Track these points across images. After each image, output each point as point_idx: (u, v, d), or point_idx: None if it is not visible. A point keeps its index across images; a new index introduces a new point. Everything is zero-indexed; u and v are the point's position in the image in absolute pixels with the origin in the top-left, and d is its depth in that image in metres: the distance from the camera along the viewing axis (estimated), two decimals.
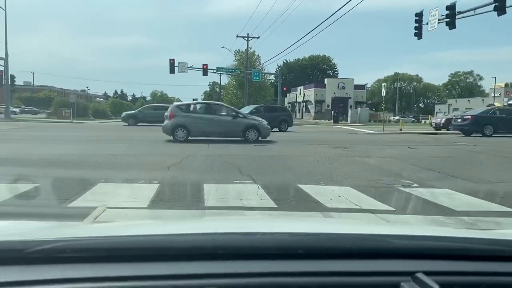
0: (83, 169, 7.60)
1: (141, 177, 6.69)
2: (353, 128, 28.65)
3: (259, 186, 6.00)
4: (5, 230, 1.36)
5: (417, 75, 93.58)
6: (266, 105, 31.51)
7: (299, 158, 9.91)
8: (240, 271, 0.93)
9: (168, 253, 0.98)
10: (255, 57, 54.21)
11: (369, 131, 24.76)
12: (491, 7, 15.94)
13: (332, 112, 43.52)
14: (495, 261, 1.05)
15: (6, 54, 33.82)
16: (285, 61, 76.07)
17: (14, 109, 46.85)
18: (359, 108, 46.29)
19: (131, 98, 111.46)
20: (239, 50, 54.44)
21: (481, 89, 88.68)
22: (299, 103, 64.98)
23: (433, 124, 28.87)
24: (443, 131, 25.47)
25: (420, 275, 0.91)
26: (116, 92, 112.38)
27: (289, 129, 24.00)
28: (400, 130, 25.14)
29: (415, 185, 6.63)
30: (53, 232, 1.31)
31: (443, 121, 27.50)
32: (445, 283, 0.91)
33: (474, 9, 16.94)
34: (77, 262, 0.94)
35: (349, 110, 46.50)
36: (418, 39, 20.55)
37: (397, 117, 55.42)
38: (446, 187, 6.46)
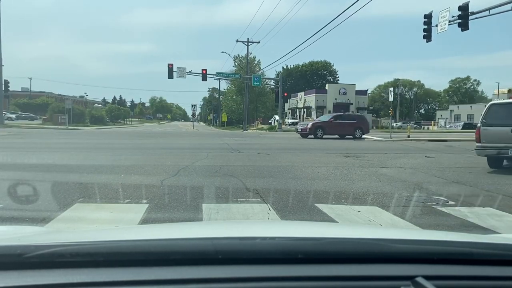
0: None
1: None
2: None
3: (269, 206, 4.99)
4: (4, 234, 1.35)
5: (418, 81, 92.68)
6: None
7: (310, 169, 8.89)
8: (240, 276, 0.92)
9: (167, 257, 0.97)
10: (255, 62, 53.13)
11: (376, 138, 23.76)
12: (508, 6, 15.03)
13: None
14: (495, 266, 1.03)
15: (0, 59, 32.98)
16: (284, 67, 75.24)
17: (10, 115, 45.98)
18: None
19: (129, 104, 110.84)
20: (238, 55, 53.54)
21: (482, 94, 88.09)
22: (300, 109, 64.11)
23: (299, 130, 24.48)
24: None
25: (420, 280, 0.89)
26: (114, 98, 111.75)
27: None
28: (408, 136, 24.19)
29: (451, 202, 5.66)
30: (52, 237, 1.29)
31: (309, 126, 23.87)
32: (445, 287, 0.91)
33: (489, 9, 16.03)
34: (76, 267, 0.93)
35: None
36: (427, 41, 19.64)
37: (399, 123, 54.51)
38: (486, 205, 5.54)
